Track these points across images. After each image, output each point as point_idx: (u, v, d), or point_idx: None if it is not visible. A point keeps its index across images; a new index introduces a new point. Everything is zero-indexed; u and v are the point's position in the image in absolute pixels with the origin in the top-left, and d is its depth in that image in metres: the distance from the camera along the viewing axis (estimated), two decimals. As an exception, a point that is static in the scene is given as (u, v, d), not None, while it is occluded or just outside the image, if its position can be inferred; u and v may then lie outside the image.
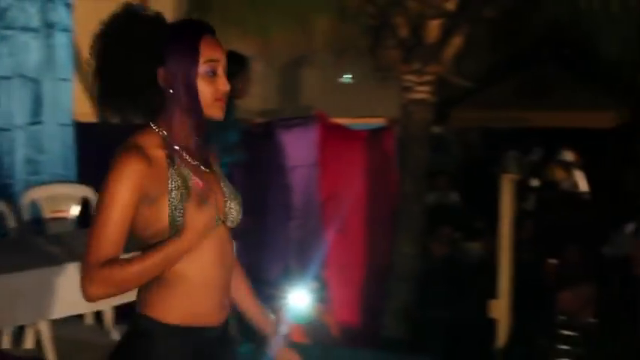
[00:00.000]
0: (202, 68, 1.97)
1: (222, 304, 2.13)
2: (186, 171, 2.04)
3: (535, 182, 9.22)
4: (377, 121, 7.87)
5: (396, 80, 6.26)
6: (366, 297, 6.14)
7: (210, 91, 2.00)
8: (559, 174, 9.19)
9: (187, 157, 2.06)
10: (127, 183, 1.94)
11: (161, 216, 2.00)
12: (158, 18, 2.05)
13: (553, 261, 6.41)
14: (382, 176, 6.44)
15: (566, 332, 4.41)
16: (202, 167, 2.07)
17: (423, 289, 6.04)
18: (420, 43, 6.01)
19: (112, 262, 1.91)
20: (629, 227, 6.58)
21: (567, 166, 9.45)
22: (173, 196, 1.99)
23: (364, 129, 7.06)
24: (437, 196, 8.18)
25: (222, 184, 2.16)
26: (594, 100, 10.23)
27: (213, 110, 2.02)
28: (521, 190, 6.86)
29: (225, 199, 2.14)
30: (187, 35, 2.00)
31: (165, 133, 2.04)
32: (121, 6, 2.00)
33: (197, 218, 1.97)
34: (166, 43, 1.98)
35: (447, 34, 6.00)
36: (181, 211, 1.99)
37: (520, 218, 5.95)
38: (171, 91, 1.99)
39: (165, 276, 2.03)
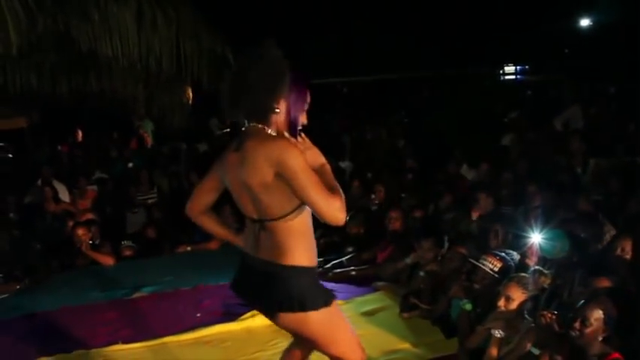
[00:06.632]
0: (305, 107, 2.44)
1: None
2: None
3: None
4: None
5: None
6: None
7: (302, 121, 2.45)
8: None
9: None
10: (301, 154, 2.28)
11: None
12: (279, 58, 2.36)
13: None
14: None
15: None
16: None
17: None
18: None
19: (333, 193, 2.29)
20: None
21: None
22: None
23: None
24: None
25: None
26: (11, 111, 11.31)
27: (296, 133, 2.42)
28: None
29: None
30: (304, 86, 2.43)
31: (272, 131, 2.37)
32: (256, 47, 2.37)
33: None
34: (291, 86, 2.37)
35: None
36: None
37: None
38: (280, 112, 2.35)
39: (300, 230, 2.38)
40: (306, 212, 2.38)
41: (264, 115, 2.37)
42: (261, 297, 2.46)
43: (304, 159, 2.27)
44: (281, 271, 2.36)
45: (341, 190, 2.34)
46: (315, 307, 2.39)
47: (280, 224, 2.36)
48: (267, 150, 2.29)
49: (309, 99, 2.45)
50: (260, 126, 2.38)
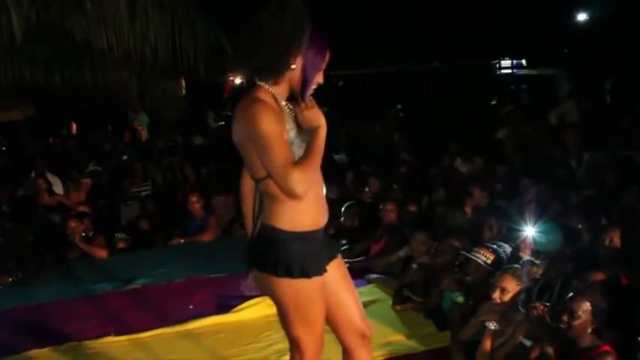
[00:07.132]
0: (322, 67, 2.33)
1: (324, 209, 2.39)
2: (292, 116, 2.30)
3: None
4: None
5: None
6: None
7: (318, 81, 2.34)
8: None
9: (288, 106, 2.32)
10: (273, 120, 2.15)
11: None
12: (300, 11, 2.22)
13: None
14: None
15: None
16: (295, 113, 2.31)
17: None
18: None
19: (303, 162, 2.17)
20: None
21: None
22: (291, 133, 2.26)
23: None
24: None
25: None
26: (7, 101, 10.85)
27: (310, 91, 2.32)
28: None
29: None
30: (324, 45, 2.31)
31: (274, 90, 2.26)
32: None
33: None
34: (310, 42, 2.24)
35: None
36: (298, 144, 2.26)
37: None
38: (295, 69, 2.25)
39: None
40: None
41: (276, 70, 2.25)
42: (246, 254, 2.42)
43: (275, 126, 2.15)
44: (262, 229, 2.32)
45: (315, 160, 2.22)
46: (288, 275, 2.26)
47: (265, 183, 2.27)
48: (242, 112, 2.22)
49: (328, 58, 2.33)
50: (259, 84, 2.26)
